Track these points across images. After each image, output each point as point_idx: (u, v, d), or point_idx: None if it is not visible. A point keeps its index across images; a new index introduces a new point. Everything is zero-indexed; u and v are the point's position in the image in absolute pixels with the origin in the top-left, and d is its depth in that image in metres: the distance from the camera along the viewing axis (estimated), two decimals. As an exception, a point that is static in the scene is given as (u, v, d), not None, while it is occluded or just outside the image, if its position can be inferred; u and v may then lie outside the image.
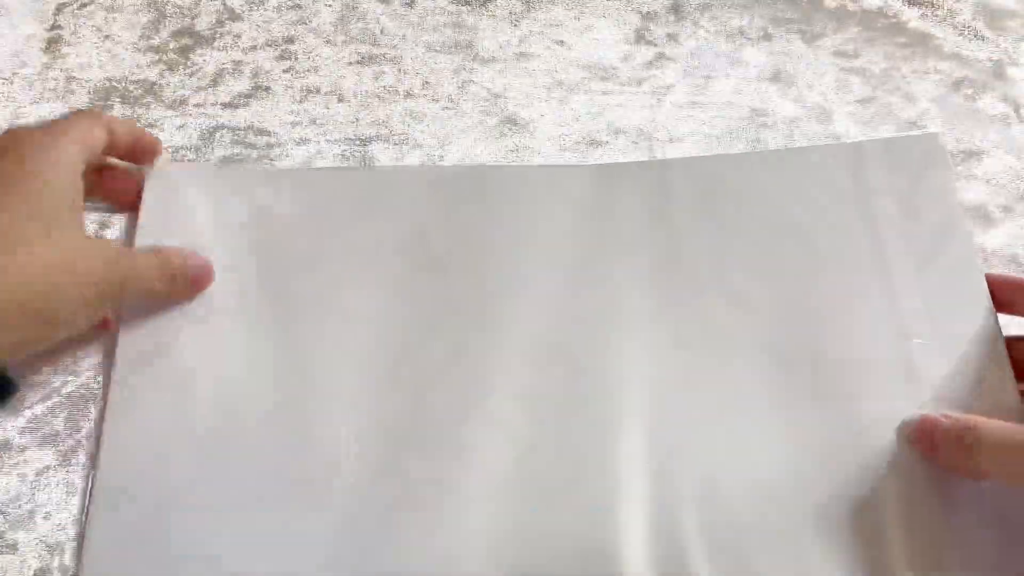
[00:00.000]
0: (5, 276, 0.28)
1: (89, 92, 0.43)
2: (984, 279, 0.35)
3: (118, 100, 0.43)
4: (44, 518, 0.33)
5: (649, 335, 0.36)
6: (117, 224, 0.38)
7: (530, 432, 0.34)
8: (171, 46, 0.45)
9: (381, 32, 0.45)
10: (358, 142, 0.42)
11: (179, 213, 0.38)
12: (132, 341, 0.35)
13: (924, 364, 0.34)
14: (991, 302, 0.35)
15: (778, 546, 0.32)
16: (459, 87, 0.44)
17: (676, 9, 0.46)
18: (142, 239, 0.37)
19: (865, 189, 0.38)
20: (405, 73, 0.44)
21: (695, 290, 0.37)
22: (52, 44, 0.44)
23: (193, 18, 0.46)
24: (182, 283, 0.35)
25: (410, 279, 0.37)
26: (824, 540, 0.32)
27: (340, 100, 0.43)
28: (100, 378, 0.35)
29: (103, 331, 0.36)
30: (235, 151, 0.42)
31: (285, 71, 0.44)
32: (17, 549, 0.33)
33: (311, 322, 0.36)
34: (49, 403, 0.35)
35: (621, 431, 0.34)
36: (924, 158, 0.38)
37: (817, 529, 0.32)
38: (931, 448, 0.32)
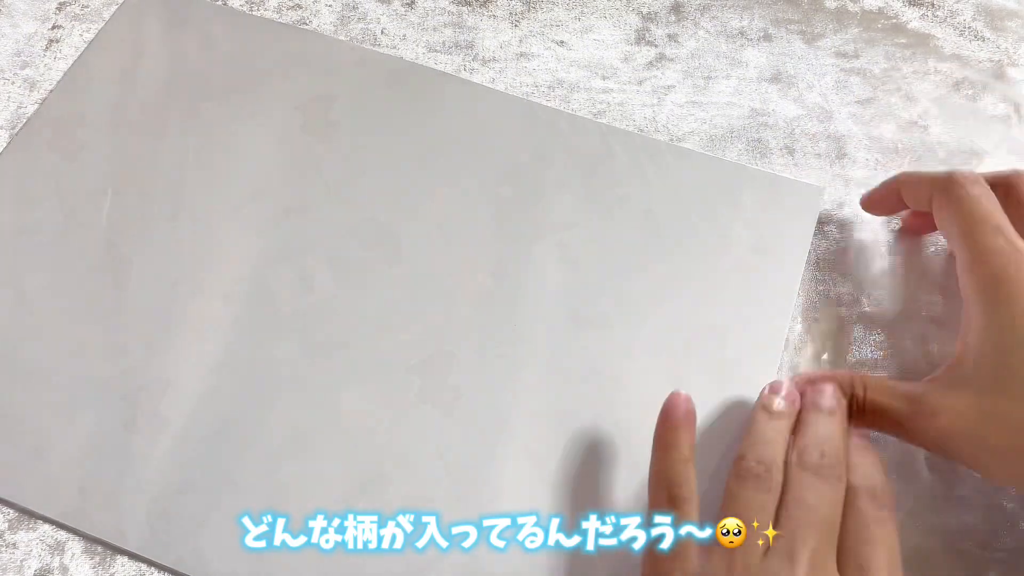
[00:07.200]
0: None
1: (90, 92, 0.43)
2: (782, 341, 0.36)
3: (119, 100, 0.43)
4: None
5: (483, 254, 0.38)
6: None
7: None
8: (172, 46, 0.45)
9: (382, 32, 0.45)
10: (359, 142, 0.42)
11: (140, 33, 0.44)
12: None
13: (685, 367, 0.36)
14: (778, 359, 0.36)
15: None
16: (460, 87, 0.44)
17: (676, 10, 0.46)
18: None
19: (731, 209, 0.39)
20: (406, 73, 0.44)
21: (536, 234, 0.39)
22: (53, 43, 0.44)
23: (194, 18, 0.46)
24: None
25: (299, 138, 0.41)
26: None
27: (341, 100, 0.43)
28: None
29: None
30: (236, 151, 0.42)
31: (286, 71, 0.44)
32: (17, 548, 0.33)
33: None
34: None
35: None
36: (797, 207, 0.39)
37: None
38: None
